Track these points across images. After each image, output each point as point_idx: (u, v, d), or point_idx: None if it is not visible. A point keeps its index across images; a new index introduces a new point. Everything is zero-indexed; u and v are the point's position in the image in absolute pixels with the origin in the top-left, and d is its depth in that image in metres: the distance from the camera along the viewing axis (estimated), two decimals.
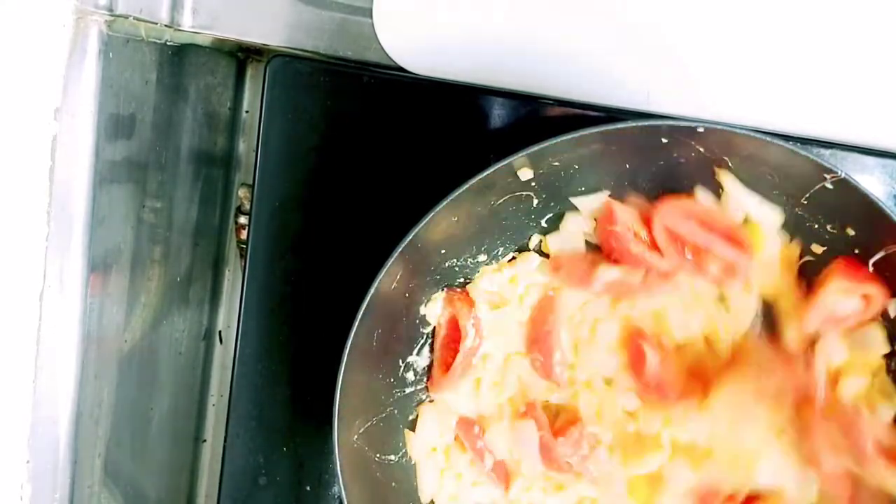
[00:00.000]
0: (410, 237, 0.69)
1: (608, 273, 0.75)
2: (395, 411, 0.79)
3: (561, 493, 0.80)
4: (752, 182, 0.74)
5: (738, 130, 0.68)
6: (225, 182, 0.96)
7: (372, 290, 0.69)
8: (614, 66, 0.79)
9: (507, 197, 0.75)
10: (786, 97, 0.79)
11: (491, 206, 0.75)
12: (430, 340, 0.80)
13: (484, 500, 0.80)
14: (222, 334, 0.99)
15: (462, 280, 0.80)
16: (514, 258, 0.80)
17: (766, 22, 0.78)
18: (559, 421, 0.80)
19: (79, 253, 0.73)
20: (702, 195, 0.76)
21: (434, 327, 0.80)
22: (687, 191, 0.76)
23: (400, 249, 0.69)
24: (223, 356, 0.99)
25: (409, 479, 0.80)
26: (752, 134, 0.68)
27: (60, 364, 0.74)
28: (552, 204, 0.78)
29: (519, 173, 0.73)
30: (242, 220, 0.94)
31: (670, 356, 0.77)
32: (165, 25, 0.79)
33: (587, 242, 0.79)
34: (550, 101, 0.79)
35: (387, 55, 0.79)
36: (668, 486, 0.77)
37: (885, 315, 0.74)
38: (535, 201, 0.77)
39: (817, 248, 0.76)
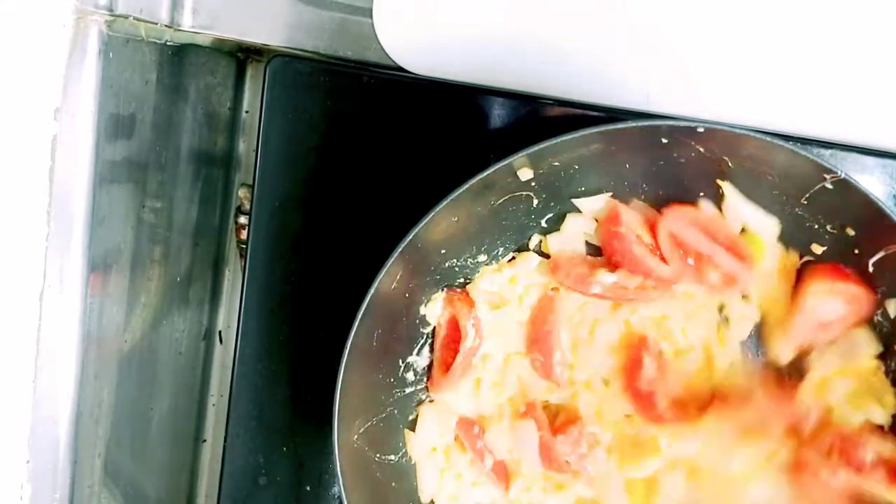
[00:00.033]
0: (410, 237, 0.69)
1: (606, 277, 0.76)
2: (395, 411, 0.79)
3: (560, 494, 0.80)
4: (752, 182, 0.74)
5: (738, 130, 0.68)
6: (225, 182, 0.96)
7: (372, 290, 0.69)
8: (614, 66, 0.79)
9: (507, 197, 0.75)
10: (786, 97, 0.79)
11: (491, 206, 0.75)
12: (430, 340, 0.80)
13: (484, 500, 0.81)
14: (222, 334, 0.99)
15: (462, 280, 0.80)
16: (513, 258, 0.80)
17: (766, 22, 0.78)
18: (559, 420, 0.80)
19: (79, 253, 0.73)
20: (705, 205, 0.76)
21: (434, 327, 0.80)
22: (687, 191, 0.76)
23: (400, 249, 0.69)
24: (223, 356, 0.99)
25: (409, 479, 0.80)
26: (752, 134, 0.68)
27: (60, 364, 0.74)
28: (552, 204, 0.78)
29: (519, 173, 0.73)
30: (242, 220, 0.94)
31: (667, 370, 0.78)
32: (165, 25, 0.79)
33: (587, 244, 0.79)
34: (550, 101, 0.79)
35: (387, 55, 0.79)
36: (662, 492, 0.77)
37: (884, 315, 0.74)
38: (535, 201, 0.77)
39: (817, 248, 0.76)
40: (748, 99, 0.78)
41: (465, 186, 0.68)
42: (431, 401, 0.81)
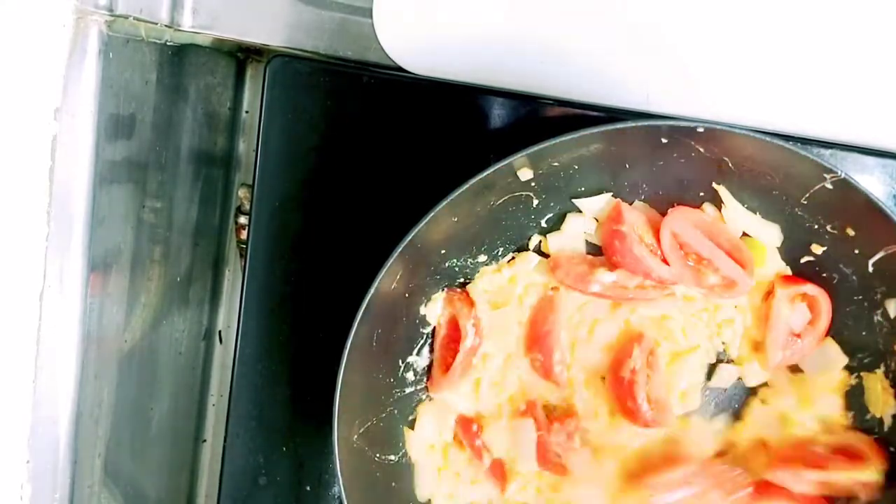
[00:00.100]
0: (410, 237, 0.69)
1: (606, 276, 0.76)
2: (395, 411, 0.79)
3: (556, 494, 0.80)
4: (752, 182, 0.74)
5: (738, 130, 0.68)
6: (225, 182, 0.96)
7: (372, 290, 0.69)
8: (614, 66, 0.79)
9: (506, 197, 0.75)
10: (786, 97, 0.79)
11: (491, 207, 0.75)
12: (429, 340, 0.80)
13: (480, 499, 0.80)
14: (222, 334, 0.99)
15: (462, 280, 0.80)
16: (513, 258, 0.80)
17: (766, 22, 0.78)
18: (555, 415, 0.80)
19: (79, 253, 0.73)
20: (709, 208, 0.76)
21: (434, 328, 0.80)
22: (687, 192, 0.76)
23: (400, 249, 0.69)
24: (223, 356, 0.99)
25: (409, 479, 0.80)
26: (752, 134, 0.68)
27: (60, 364, 0.74)
28: (552, 204, 0.78)
29: (519, 173, 0.73)
30: (242, 220, 0.94)
31: (655, 368, 0.78)
32: (165, 25, 0.79)
33: (587, 243, 0.79)
34: (550, 101, 0.79)
35: (387, 55, 0.79)
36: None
37: (884, 315, 0.75)
38: (535, 201, 0.77)
39: (817, 248, 0.76)
40: (748, 99, 0.78)
41: (465, 186, 0.68)
42: (430, 399, 0.81)
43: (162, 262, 0.87)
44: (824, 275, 0.76)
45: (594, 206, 0.77)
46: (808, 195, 0.72)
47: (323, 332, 0.82)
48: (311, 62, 0.81)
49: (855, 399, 0.78)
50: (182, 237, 0.90)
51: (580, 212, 0.78)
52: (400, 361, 0.79)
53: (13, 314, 0.71)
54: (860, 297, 0.75)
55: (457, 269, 0.79)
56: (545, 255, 0.79)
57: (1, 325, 0.70)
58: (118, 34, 0.73)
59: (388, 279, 0.71)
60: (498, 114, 0.79)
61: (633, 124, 0.69)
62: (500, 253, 0.79)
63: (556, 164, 0.73)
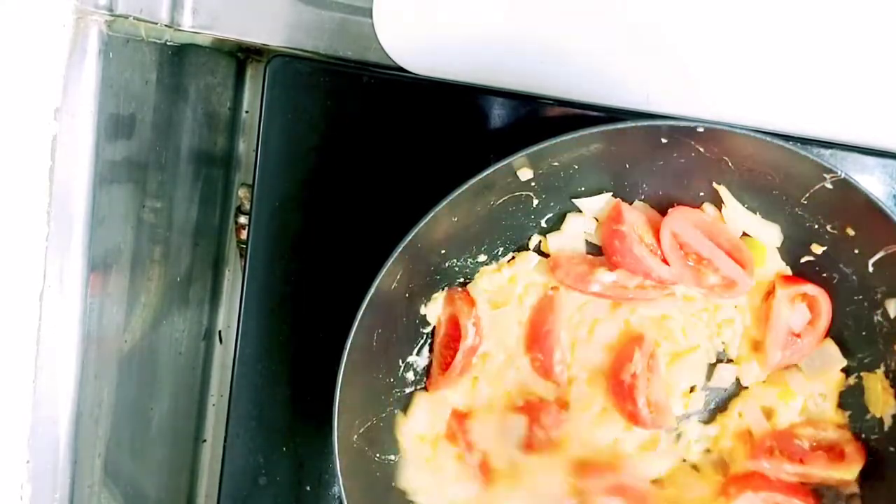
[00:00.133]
0: (410, 237, 0.69)
1: (606, 275, 0.76)
2: (396, 411, 0.79)
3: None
4: (752, 182, 0.74)
5: (738, 130, 0.68)
6: (225, 182, 0.96)
7: (372, 290, 0.69)
8: (614, 66, 0.79)
9: (506, 197, 0.75)
10: (786, 97, 0.79)
11: (491, 207, 0.75)
12: (429, 340, 0.80)
13: (462, 497, 0.80)
14: (222, 334, 0.99)
15: (462, 280, 0.80)
16: (513, 258, 0.79)
17: (766, 22, 0.78)
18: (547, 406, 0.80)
19: (79, 253, 0.73)
20: (709, 208, 0.76)
21: (434, 327, 0.80)
22: (687, 192, 0.76)
23: (400, 249, 0.69)
24: (223, 356, 0.98)
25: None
26: (752, 134, 0.68)
27: (60, 364, 0.74)
28: (552, 204, 0.78)
29: (519, 173, 0.73)
30: (242, 220, 0.94)
31: (655, 372, 0.78)
32: (165, 25, 0.79)
33: (587, 243, 0.79)
34: (550, 101, 0.79)
35: (387, 55, 0.79)
36: None
37: (884, 315, 0.75)
38: (535, 201, 0.77)
39: (817, 248, 0.76)
40: (748, 99, 0.78)
41: (465, 186, 0.68)
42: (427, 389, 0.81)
43: (162, 262, 0.87)
44: (824, 275, 0.77)
45: (594, 205, 0.77)
46: (808, 195, 0.72)
47: (323, 332, 0.82)
48: (311, 62, 0.81)
49: (854, 399, 0.78)
50: (182, 237, 0.90)
51: (580, 212, 0.78)
52: (400, 361, 0.79)
53: (13, 314, 0.71)
54: (860, 297, 0.75)
55: (457, 269, 0.79)
56: (545, 255, 0.79)
57: (1, 325, 0.70)
58: (118, 34, 0.73)
59: (388, 279, 0.71)
60: (498, 114, 0.79)
61: (633, 124, 0.69)
62: (500, 253, 0.79)
63: (556, 163, 0.73)
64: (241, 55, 0.94)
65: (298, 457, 0.83)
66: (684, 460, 0.81)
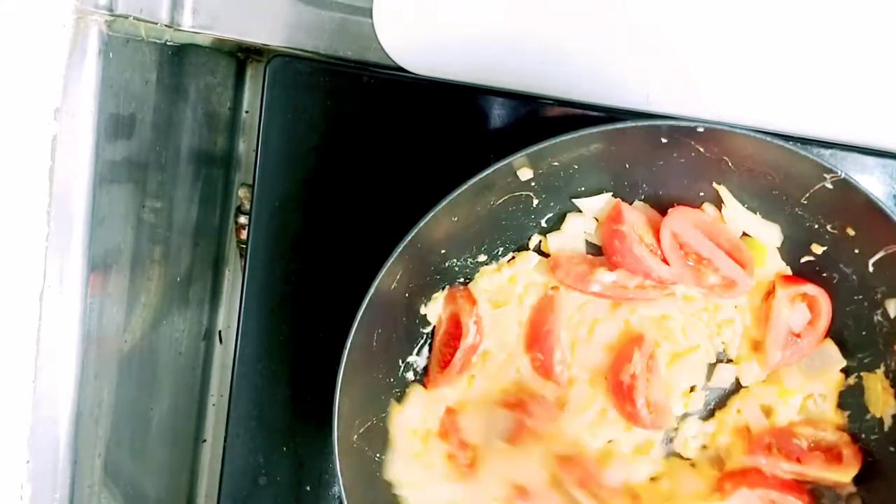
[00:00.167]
0: (410, 237, 0.69)
1: (606, 275, 0.76)
2: (391, 401, 0.79)
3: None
4: (752, 182, 0.74)
5: (738, 130, 0.68)
6: (225, 182, 0.96)
7: (372, 290, 0.69)
8: (614, 66, 0.79)
9: (506, 197, 0.75)
10: (786, 97, 0.79)
11: (491, 206, 0.75)
12: (429, 340, 0.80)
13: (445, 497, 0.79)
14: (222, 334, 0.99)
15: (462, 280, 0.80)
16: (513, 258, 0.79)
17: (766, 22, 0.78)
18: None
19: (79, 253, 0.73)
20: (709, 208, 0.76)
21: (434, 327, 0.80)
22: (687, 192, 0.76)
23: (400, 249, 0.69)
24: (223, 356, 0.98)
25: None
26: (752, 134, 0.68)
27: (60, 364, 0.74)
28: (552, 204, 0.78)
29: (519, 173, 0.73)
30: (242, 220, 0.94)
31: (654, 372, 0.78)
32: (165, 25, 0.79)
33: (587, 243, 0.79)
34: (550, 101, 0.79)
35: (387, 55, 0.79)
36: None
37: (884, 315, 0.75)
38: (535, 201, 0.77)
39: (817, 248, 0.76)
40: (748, 99, 0.78)
41: (465, 186, 0.68)
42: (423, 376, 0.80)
43: (162, 262, 0.87)
44: (824, 275, 0.77)
45: (594, 205, 0.77)
46: (808, 195, 0.72)
47: (323, 332, 0.82)
48: (311, 62, 0.81)
49: (854, 399, 0.78)
50: (182, 237, 0.90)
51: (580, 211, 0.78)
52: (400, 361, 0.79)
53: (13, 314, 0.71)
54: (860, 297, 0.75)
55: (457, 268, 0.79)
56: (545, 255, 0.79)
57: (1, 325, 0.70)
58: (118, 34, 0.73)
59: (388, 279, 0.71)
60: (498, 114, 0.79)
61: (633, 124, 0.69)
62: (500, 253, 0.79)
63: (556, 163, 0.73)
64: (241, 55, 0.94)
65: (298, 457, 0.83)
66: (680, 456, 0.81)
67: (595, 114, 0.78)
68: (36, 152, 0.69)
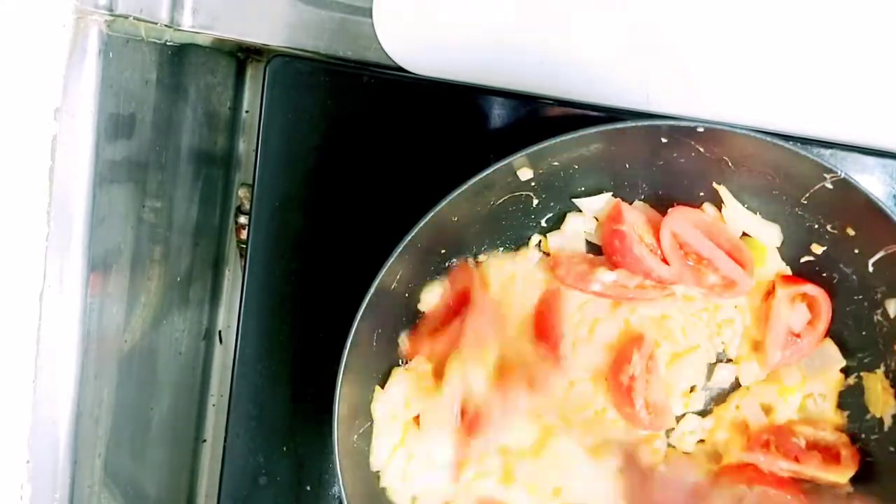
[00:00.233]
0: (410, 237, 0.69)
1: (606, 275, 0.76)
2: (373, 385, 0.79)
3: (510, 486, 0.79)
4: (752, 182, 0.74)
5: (738, 130, 0.68)
6: (225, 182, 0.96)
7: (372, 290, 0.69)
8: (614, 66, 0.79)
9: (506, 197, 0.75)
10: (786, 97, 0.79)
11: (491, 206, 0.75)
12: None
13: (431, 487, 0.79)
14: (222, 334, 0.99)
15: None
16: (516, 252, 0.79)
17: (766, 22, 0.78)
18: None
19: (79, 253, 0.73)
20: (709, 208, 0.76)
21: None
22: (687, 192, 0.76)
23: (400, 249, 0.69)
24: (223, 356, 0.98)
25: None
26: (752, 134, 0.68)
27: (60, 364, 0.74)
28: (552, 204, 0.78)
29: (519, 173, 0.73)
30: (242, 219, 0.94)
31: (653, 373, 0.78)
32: (165, 25, 0.79)
33: (588, 242, 0.79)
34: (550, 101, 0.79)
35: (387, 55, 0.79)
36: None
37: (884, 315, 0.75)
38: (535, 201, 0.77)
39: (817, 248, 0.76)
40: (748, 99, 0.79)
41: (465, 186, 0.68)
42: (406, 366, 0.79)
43: (162, 261, 0.87)
44: (824, 275, 0.77)
45: (594, 205, 0.77)
46: (808, 195, 0.72)
47: (323, 332, 0.82)
48: (311, 62, 0.81)
49: (854, 399, 0.78)
50: (182, 237, 0.90)
51: (580, 211, 0.78)
52: (400, 361, 0.79)
53: (13, 314, 0.71)
54: (860, 297, 0.75)
55: (457, 268, 0.79)
56: (546, 255, 0.79)
57: (1, 325, 0.70)
58: (118, 34, 0.73)
59: (389, 279, 0.71)
60: (498, 114, 0.79)
61: (633, 124, 0.69)
62: (500, 252, 0.79)
63: (556, 163, 0.73)
64: (241, 55, 0.94)
65: (298, 457, 0.83)
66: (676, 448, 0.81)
67: (595, 114, 0.78)
68: (36, 152, 0.69)
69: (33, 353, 0.71)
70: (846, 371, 0.78)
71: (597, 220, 0.78)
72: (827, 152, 0.77)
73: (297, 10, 0.80)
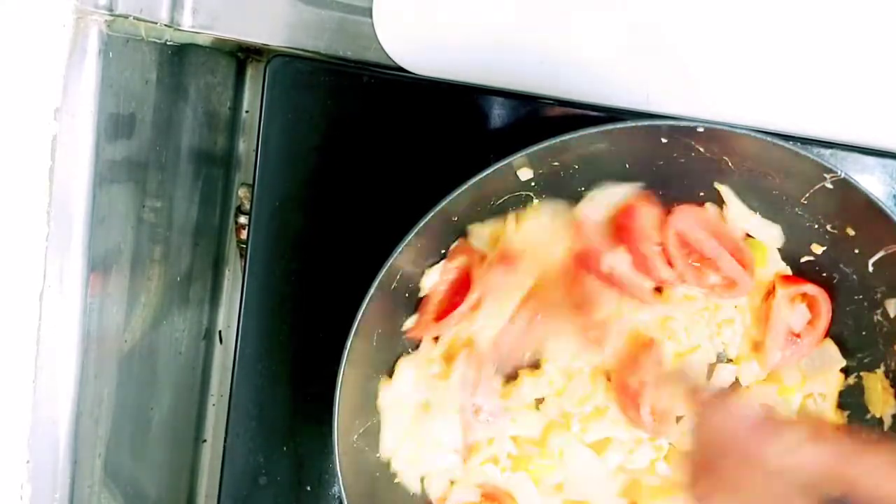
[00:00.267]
0: (410, 237, 0.69)
1: (620, 258, 0.73)
2: (380, 376, 0.79)
3: (516, 473, 0.79)
4: (752, 182, 0.74)
5: (738, 130, 0.68)
6: (225, 182, 0.96)
7: (372, 290, 0.69)
8: (614, 66, 0.79)
9: (506, 197, 0.75)
10: (786, 97, 0.79)
11: (491, 206, 0.75)
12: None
13: (441, 469, 0.79)
14: (222, 334, 0.99)
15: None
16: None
17: (766, 22, 0.78)
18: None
19: (79, 253, 0.73)
20: (711, 209, 0.76)
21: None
22: (687, 192, 0.76)
23: (400, 249, 0.69)
24: (223, 356, 0.98)
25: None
26: (752, 134, 0.68)
27: (60, 364, 0.74)
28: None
29: (519, 173, 0.73)
30: (242, 219, 0.94)
31: (661, 379, 0.78)
32: (165, 25, 0.79)
33: None
34: (550, 101, 0.79)
35: (387, 55, 0.79)
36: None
37: (884, 315, 0.75)
38: (535, 201, 0.77)
39: (817, 248, 0.76)
40: (748, 99, 0.79)
41: (465, 186, 0.68)
42: (412, 352, 0.79)
43: (162, 261, 0.87)
44: (824, 275, 0.77)
45: (614, 195, 0.75)
46: (808, 195, 0.72)
47: (323, 332, 0.82)
48: (311, 62, 0.81)
49: (854, 399, 0.78)
50: (182, 237, 0.90)
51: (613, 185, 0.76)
52: (409, 349, 0.79)
53: (13, 314, 0.71)
54: (860, 297, 0.75)
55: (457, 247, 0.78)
56: None
57: (1, 325, 0.70)
58: (118, 34, 0.73)
59: (389, 279, 0.71)
60: (498, 114, 0.79)
61: (633, 124, 0.69)
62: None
63: (556, 163, 0.73)
64: (241, 55, 0.94)
65: (298, 457, 0.83)
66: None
67: (595, 114, 0.78)
68: (36, 152, 0.69)
69: (33, 353, 0.71)
70: (846, 371, 0.78)
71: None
72: (827, 152, 0.77)
73: (297, 10, 0.80)
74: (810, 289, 0.76)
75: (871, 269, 0.73)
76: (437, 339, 0.78)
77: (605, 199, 0.76)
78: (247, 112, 0.96)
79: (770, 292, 0.77)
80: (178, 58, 0.83)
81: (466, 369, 0.77)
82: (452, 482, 0.80)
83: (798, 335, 0.77)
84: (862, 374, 0.77)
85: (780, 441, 0.58)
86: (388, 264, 0.69)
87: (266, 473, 0.82)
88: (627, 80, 0.78)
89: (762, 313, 0.78)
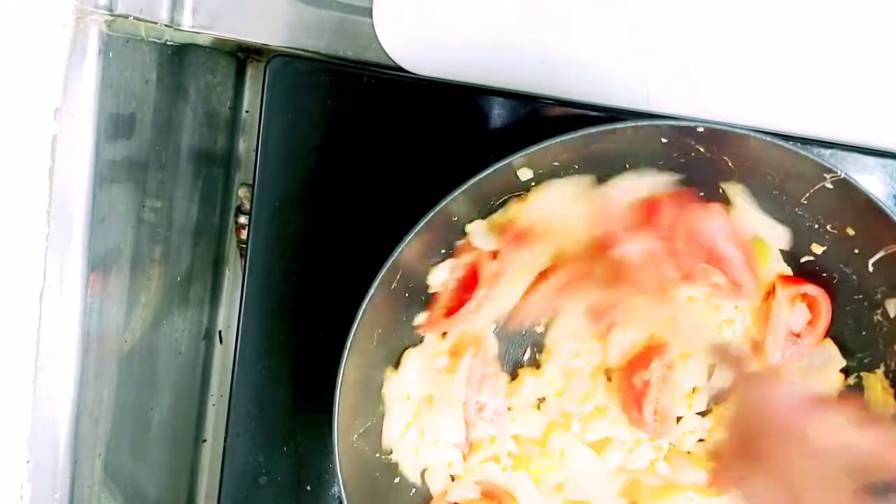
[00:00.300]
0: (410, 238, 0.69)
1: (636, 244, 0.71)
2: (386, 368, 0.79)
3: (517, 472, 0.79)
4: (752, 182, 0.74)
5: (738, 130, 0.68)
6: (225, 182, 0.96)
7: (372, 290, 0.69)
8: (614, 66, 0.79)
9: (506, 197, 0.75)
10: (786, 97, 0.79)
11: (491, 206, 0.75)
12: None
13: (442, 463, 0.79)
14: (222, 334, 0.99)
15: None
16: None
17: (766, 22, 0.78)
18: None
19: (79, 253, 0.73)
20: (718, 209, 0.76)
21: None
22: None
23: (400, 249, 0.69)
24: (223, 356, 0.98)
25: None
26: (752, 134, 0.68)
27: (60, 364, 0.74)
28: None
29: (519, 173, 0.73)
30: (242, 219, 0.94)
31: (667, 383, 0.78)
32: (165, 25, 0.79)
33: None
34: (550, 101, 0.79)
35: (387, 55, 0.79)
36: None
37: (884, 315, 0.75)
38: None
39: (817, 248, 0.76)
40: (748, 99, 0.79)
41: (465, 186, 0.68)
42: (419, 344, 0.79)
43: (162, 261, 0.87)
44: (824, 275, 0.77)
45: (642, 185, 0.73)
46: (808, 195, 0.72)
47: (323, 332, 0.82)
48: (311, 62, 0.81)
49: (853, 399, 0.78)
50: (182, 237, 0.90)
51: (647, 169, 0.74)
52: (415, 342, 0.79)
53: (13, 314, 0.71)
54: (860, 297, 0.75)
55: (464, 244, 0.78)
56: None
57: (1, 325, 0.70)
58: (118, 34, 0.73)
59: (389, 279, 0.71)
60: (498, 114, 0.79)
61: (634, 124, 0.69)
62: None
63: (556, 163, 0.73)
64: (241, 55, 0.94)
65: (298, 457, 0.83)
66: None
67: (595, 114, 0.77)
68: (36, 152, 0.69)
69: (33, 353, 0.71)
70: (846, 371, 0.78)
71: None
72: (827, 152, 0.77)
73: (297, 10, 0.80)
74: (810, 289, 0.76)
75: (871, 269, 0.73)
76: (444, 334, 0.78)
77: (632, 185, 0.74)
78: (247, 112, 0.96)
79: (770, 292, 0.77)
80: (178, 58, 0.83)
81: (473, 365, 0.77)
82: (453, 478, 0.80)
83: (798, 335, 0.77)
84: (862, 374, 0.77)
85: (825, 421, 0.56)
86: (388, 264, 0.69)
87: (266, 473, 0.82)
88: (627, 80, 0.78)
89: (762, 313, 0.78)
